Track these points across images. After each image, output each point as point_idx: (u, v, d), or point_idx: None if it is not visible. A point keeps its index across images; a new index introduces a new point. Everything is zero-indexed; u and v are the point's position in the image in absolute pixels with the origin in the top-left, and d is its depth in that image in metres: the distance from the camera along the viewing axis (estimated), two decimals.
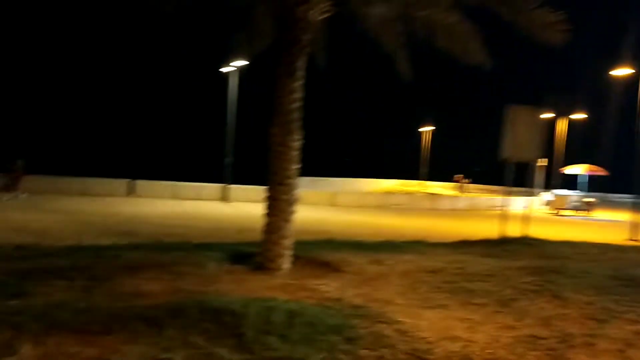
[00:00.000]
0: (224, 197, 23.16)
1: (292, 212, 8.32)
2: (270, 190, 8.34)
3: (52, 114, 47.40)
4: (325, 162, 40.58)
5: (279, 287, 7.15)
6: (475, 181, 43.44)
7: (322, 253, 9.27)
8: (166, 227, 13.34)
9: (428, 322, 5.64)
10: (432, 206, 28.32)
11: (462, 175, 43.69)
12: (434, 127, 53.71)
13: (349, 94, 59.85)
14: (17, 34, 46.53)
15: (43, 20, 45.08)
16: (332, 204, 25.18)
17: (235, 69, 23.68)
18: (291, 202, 8.31)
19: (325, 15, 8.13)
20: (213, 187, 23.86)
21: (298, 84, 8.16)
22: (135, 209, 17.57)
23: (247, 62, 20.97)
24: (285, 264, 8.15)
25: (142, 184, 22.91)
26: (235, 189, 23.54)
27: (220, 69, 23.95)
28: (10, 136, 35.18)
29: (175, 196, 22.66)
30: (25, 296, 5.75)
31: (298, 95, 8.20)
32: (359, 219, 19.72)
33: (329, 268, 8.36)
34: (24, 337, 4.38)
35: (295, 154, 8.28)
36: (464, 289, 7.11)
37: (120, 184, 22.58)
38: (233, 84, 24.03)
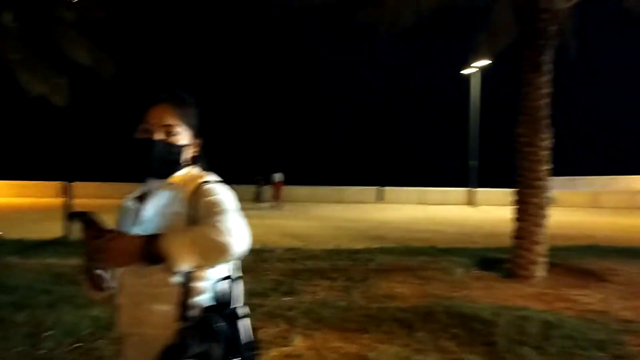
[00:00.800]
0: (470, 201, 22.73)
1: (544, 216, 7.80)
2: (519, 193, 7.95)
3: (303, 127, 52.52)
4: (582, 160, 36.72)
5: (533, 296, 6.77)
6: None
7: (582, 260, 8.48)
8: (413, 231, 13.70)
9: None
10: None
11: None
12: None
13: (602, 83, 53.26)
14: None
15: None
16: (594, 205, 22.70)
17: (477, 69, 23.11)
18: (543, 205, 7.79)
19: (573, 2, 7.46)
20: (459, 192, 23.63)
21: (545, 78, 7.64)
22: (383, 214, 18.43)
23: (488, 62, 20.28)
24: (539, 271, 7.66)
25: (390, 191, 23.92)
26: (482, 192, 22.92)
27: (461, 71, 23.61)
28: (271, 150, 40.03)
29: (422, 201, 23.08)
30: (295, 294, 6.52)
31: (546, 90, 7.68)
32: (628, 223, 17.36)
33: (591, 277, 7.60)
34: (296, 331, 5.00)
35: (545, 153, 7.76)
36: None
37: (370, 191, 23.93)
38: (475, 85, 23.49)
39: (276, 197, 20.63)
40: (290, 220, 16.58)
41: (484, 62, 21.06)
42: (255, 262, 8.10)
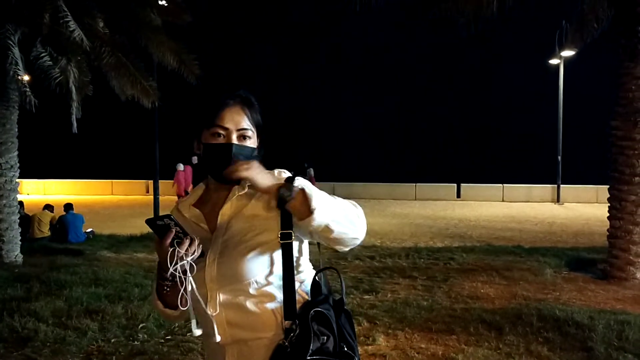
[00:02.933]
0: (556, 198, 21.68)
1: None
2: (614, 189, 7.47)
3: (379, 123, 52.08)
4: None
5: (631, 299, 6.34)
6: None
7: None
8: (495, 230, 13.22)
9: None
10: None
11: None
12: None
13: None
14: None
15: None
16: None
17: (561, 60, 21.97)
18: None
19: None
20: (544, 188, 22.57)
21: None
22: (463, 211, 17.94)
23: (573, 53, 19.19)
24: (639, 273, 7.16)
25: (469, 187, 23.25)
26: (568, 189, 21.78)
27: (550, 61, 22.46)
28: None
29: (504, 198, 22.26)
30: (376, 292, 6.47)
31: None
32: None
33: None
34: (379, 330, 4.94)
35: None
36: None
37: (448, 188, 23.37)
38: (561, 77, 22.33)
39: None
40: (368, 217, 16.47)
41: (570, 53, 19.97)
42: (333, 259, 8.10)
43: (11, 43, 7.31)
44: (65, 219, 10.62)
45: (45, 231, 10.50)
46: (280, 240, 1.47)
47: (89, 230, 10.95)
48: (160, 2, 9.03)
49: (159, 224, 1.41)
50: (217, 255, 1.49)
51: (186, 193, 18.36)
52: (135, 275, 7.13)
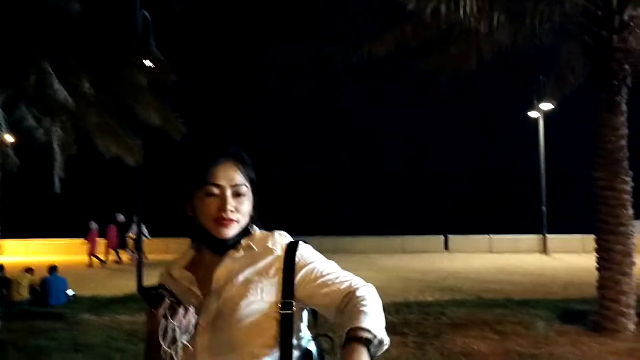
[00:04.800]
0: (543, 249, 21.70)
1: (631, 264, 7.28)
2: (600, 240, 7.48)
3: (363, 176, 52.39)
4: None
5: (626, 352, 6.24)
6: None
7: None
8: (484, 282, 13.11)
9: None
10: None
11: None
12: None
13: None
14: None
15: None
16: None
17: (540, 114, 22.51)
18: (628, 253, 7.29)
19: None
20: (530, 239, 22.61)
21: (622, 119, 7.31)
22: (451, 263, 17.84)
23: (552, 106, 19.70)
24: (631, 324, 7.08)
25: (456, 239, 23.22)
26: (554, 239, 21.84)
27: (528, 113, 22.99)
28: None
29: (491, 249, 22.23)
30: None
31: (623, 131, 7.32)
32: None
33: None
34: None
35: (627, 197, 7.31)
36: None
37: (436, 240, 23.33)
38: (543, 129, 22.80)
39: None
40: (357, 272, 16.28)
41: (549, 106, 20.50)
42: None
43: None
44: (48, 281, 10.34)
45: (24, 294, 10.18)
46: (281, 309, 1.40)
47: (70, 293, 10.66)
48: (146, 63, 9.16)
49: (153, 294, 1.35)
50: (209, 323, 1.41)
51: (115, 251, 18.69)
52: (117, 339, 6.89)
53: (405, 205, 45.81)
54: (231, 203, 1.45)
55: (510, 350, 6.21)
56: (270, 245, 1.49)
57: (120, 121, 8.97)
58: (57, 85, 7.22)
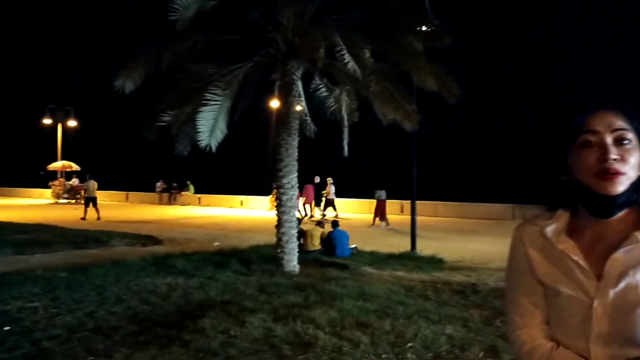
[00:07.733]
0: None
1: None
2: None
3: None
4: None
5: None
6: None
7: None
8: None
9: None
10: None
11: None
12: None
13: None
14: None
15: None
16: None
17: None
18: None
19: None
20: None
21: None
22: None
23: None
24: None
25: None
26: None
27: None
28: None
29: None
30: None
31: None
32: None
33: None
34: None
35: None
36: None
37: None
38: None
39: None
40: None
41: None
42: None
43: (295, 78, 8.32)
44: (333, 235, 11.57)
45: (317, 244, 11.61)
46: None
47: (352, 246, 11.74)
48: (422, 29, 9.28)
49: None
50: (608, 309, 1.23)
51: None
52: (398, 293, 7.35)
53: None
54: (613, 151, 1.23)
55: None
56: None
57: (399, 88, 9.32)
58: (347, 56, 7.82)
